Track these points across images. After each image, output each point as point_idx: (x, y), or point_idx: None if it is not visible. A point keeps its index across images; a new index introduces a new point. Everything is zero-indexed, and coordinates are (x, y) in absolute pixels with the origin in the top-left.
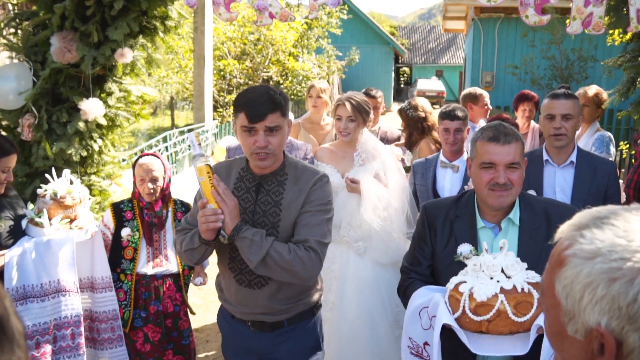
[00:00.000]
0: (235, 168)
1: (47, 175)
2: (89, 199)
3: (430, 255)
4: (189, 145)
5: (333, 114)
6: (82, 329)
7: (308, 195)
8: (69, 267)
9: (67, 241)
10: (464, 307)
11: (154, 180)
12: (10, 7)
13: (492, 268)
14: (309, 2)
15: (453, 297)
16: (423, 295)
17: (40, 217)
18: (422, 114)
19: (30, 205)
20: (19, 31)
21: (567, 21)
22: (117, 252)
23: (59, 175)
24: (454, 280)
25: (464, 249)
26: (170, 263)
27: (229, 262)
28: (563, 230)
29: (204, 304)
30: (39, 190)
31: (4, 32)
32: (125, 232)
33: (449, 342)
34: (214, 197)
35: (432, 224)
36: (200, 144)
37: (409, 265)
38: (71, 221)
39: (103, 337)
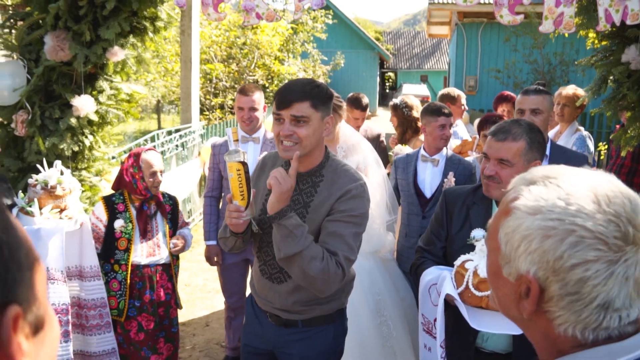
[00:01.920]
0: (280, 160)
1: (38, 166)
2: (81, 190)
3: (445, 238)
4: (177, 146)
5: None
6: (69, 317)
7: (337, 203)
8: (58, 256)
9: (57, 231)
10: (467, 282)
11: (161, 172)
12: (10, 8)
13: None
14: (294, 4)
15: (459, 273)
16: (432, 272)
17: (31, 206)
18: (417, 115)
19: (21, 195)
20: (14, 30)
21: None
22: (110, 243)
23: (50, 167)
24: (462, 258)
25: (477, 233)
26: (162, 252)
27: (258, 251)
28: (516, 182)
29: (190, 300)
30: (30, 180)
31: (0, 32)
32: (119, 223)
33: (454, 321)
34: (239, 195)
35: (450, 209)
36: (237, 140)
37: (424, 246)
38: (61, 211)
39: (92, 323)
